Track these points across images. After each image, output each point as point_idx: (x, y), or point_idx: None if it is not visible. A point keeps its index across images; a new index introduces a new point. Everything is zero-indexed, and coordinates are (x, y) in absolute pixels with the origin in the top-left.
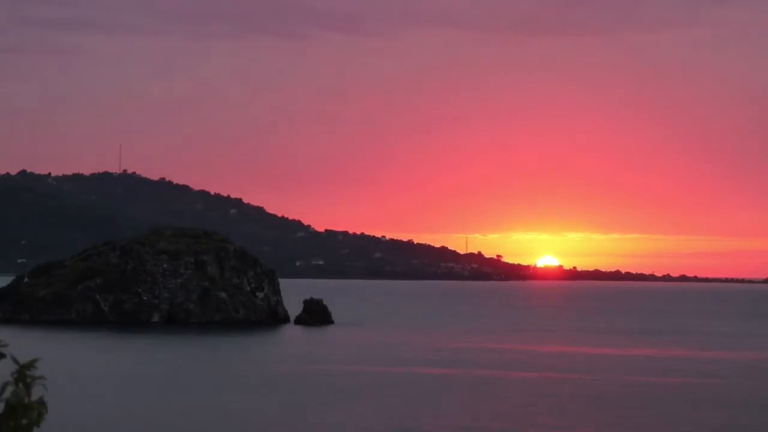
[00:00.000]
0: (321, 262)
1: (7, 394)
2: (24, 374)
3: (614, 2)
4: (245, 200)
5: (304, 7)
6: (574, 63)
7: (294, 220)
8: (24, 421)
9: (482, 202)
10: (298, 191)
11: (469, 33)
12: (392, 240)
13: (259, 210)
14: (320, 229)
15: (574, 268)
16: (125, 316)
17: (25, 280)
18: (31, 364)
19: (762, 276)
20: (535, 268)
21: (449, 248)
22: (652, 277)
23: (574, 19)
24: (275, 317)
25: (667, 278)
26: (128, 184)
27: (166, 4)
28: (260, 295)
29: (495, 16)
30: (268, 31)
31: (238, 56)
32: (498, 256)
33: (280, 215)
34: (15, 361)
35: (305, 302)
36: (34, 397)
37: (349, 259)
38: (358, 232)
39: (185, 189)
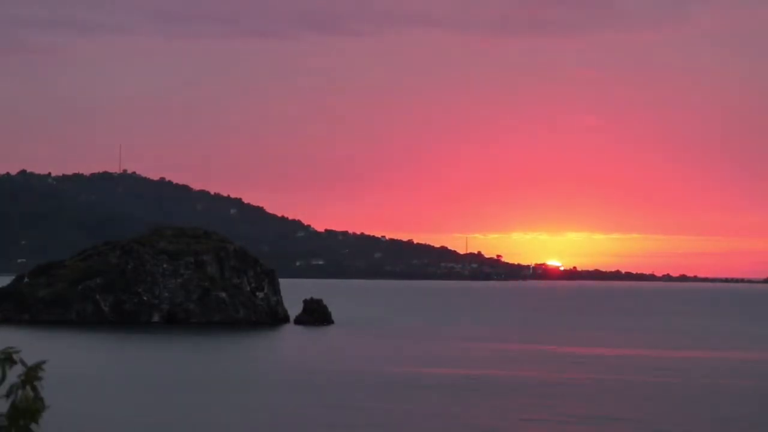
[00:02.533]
0: (321, 262)
1: (14, 396)
2: (32, 377)
3: (608, 2)
4: (245, 200)
5: (285, 7)
6: (573, 62)
7: (294, 220)
8: (31, 423)
9: (482, 202)
10: (298, 191)
11: (461, 33)
12: (392, 240)
13: (259, 210)
14: (320, 229)
15: (574, 268)
16: (125, 316)
17: (25, 280)
18: (38, 367)
19: (762, 276)
20: (535, 267)
21: (449, 248)
22: (652, 277)
23: (569, 19)
24: (275, 317)
25: (667, 278)
26: (128, 184)
27: (147, 4)
28: (260, 295)
29: (485, 16)
30: (251, 31)
31: (224, 56)
32: (498, 256)
33: (280, 215)
34: (23, 363)
35: (305, 302)
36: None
37: (349, 259)
38: (358, 232)
39: (185, 189)
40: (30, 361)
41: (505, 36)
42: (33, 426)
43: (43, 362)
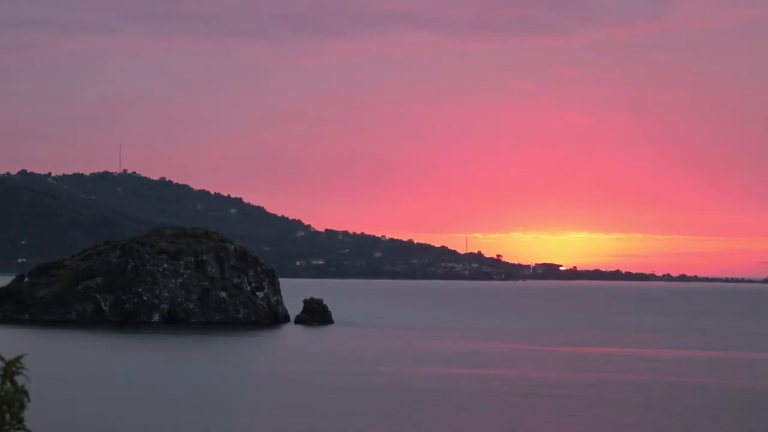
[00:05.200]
0: (321, 262)
1: None
2: (10, 370)
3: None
4: (245, 200)
5: (262, 7)
6: (570, 62)
7: (294, 220)
8: (7, 416)
9: (482, 202)
10: (298, 191)
11: (444, 33)
12: (392, 240)
13: (259, 210)
14: (320, 229)
15: (574, 267)
16: (125, 316)
17: (25, 280)
18: (17, 360)
19: (762, 276)
20: (535, 267)
21: (449, 248)
22: (652, 277)
23: (547, 19)
24: (275, 317)
25: (667, 278)
26: (128, 184)
27: (128, 4)
28: (260, 294)
29: (465, 15)
30: (238, 31)
31: (222, 56)
32: (498, 256)
33: (280, 215)
34: (0, 357)
35: (305, 302)
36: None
37: (349, 259)
38: (358, 232)
39: (185, 189)
40: (25, 360)
41: (487, 36)
42: (18, 417)
43: (22, 356)
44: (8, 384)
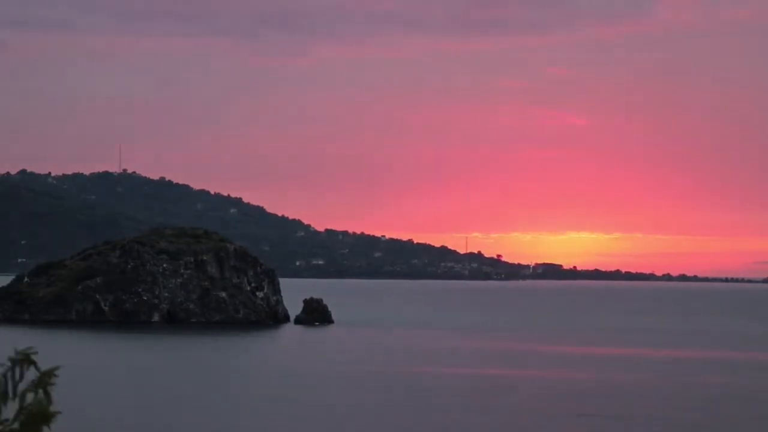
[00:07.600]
0: (321, 262)
1: (27, 401)
2: (45, 382)
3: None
4: (245, 200)
5: (263, 7)
6: (559, 61)
7: (294, 220)
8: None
9: (482, 202)
10: (298, 191)
11: (427, 33)
12: (392, 240)
13: (259, 210)
14: (320, 229)
15: (574, 267)
16: (125, 316)
17: (25, 280)
18: (51, 372)
19: (762, 276)
20: (535, 267)
21: (449, 248)
22: (652, 277)
23: (530, 18)
24: (275, 317)
25: (667, 278)
26: (128, 184)
27: (129, 4)
28: (260, 294)
29: (447, 15)
30: (233, 32)
31: (212, 56)
32: (498, 255)
33: (280, 215)
34: (36, 368)
35: (305, 302)
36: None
37: (349, 259)
38: (358, 232)
39: (185, 189)
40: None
41: (478, 36)
42: (44, 429)
43: (57, 368)
44: (41, 395)
